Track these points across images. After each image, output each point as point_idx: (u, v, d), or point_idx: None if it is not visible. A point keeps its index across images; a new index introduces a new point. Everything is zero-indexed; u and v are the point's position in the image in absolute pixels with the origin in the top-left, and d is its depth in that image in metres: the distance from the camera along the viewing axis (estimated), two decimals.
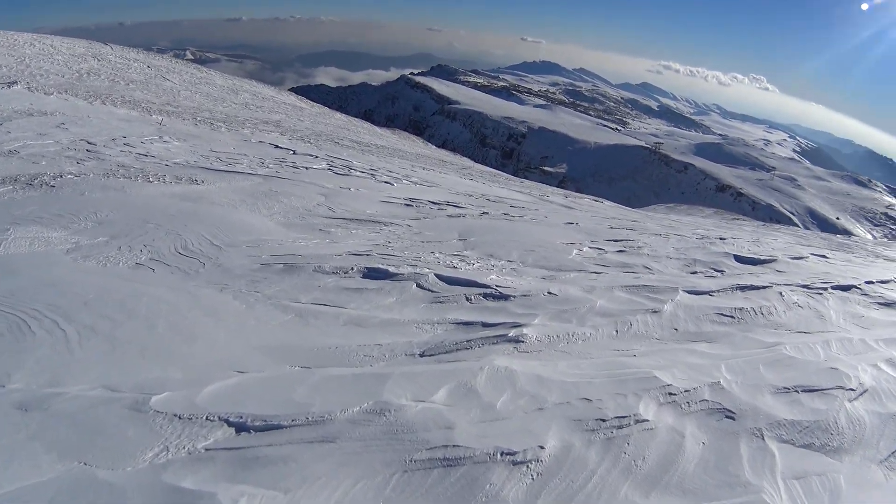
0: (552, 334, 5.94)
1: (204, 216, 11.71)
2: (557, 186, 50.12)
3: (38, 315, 6.45)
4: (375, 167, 20.94)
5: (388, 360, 5.47)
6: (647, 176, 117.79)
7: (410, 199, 14.77)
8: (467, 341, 5.66)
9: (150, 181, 14.81)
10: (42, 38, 54.55)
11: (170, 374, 5.45)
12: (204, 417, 4.47)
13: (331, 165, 19.31)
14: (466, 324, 6.20)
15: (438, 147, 74.86)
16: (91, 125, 23.37)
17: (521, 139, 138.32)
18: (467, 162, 48.64)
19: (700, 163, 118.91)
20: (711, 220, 32.84)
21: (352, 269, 8.18)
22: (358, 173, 18.42)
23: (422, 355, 5.50)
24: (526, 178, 63.12)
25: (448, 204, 14.63)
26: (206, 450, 4.23)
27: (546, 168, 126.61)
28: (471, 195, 17.80)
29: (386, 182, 17.58)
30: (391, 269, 8.02)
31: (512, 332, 5.81)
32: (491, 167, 52.91)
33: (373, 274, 7.99)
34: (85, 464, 4.43)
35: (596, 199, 26.85)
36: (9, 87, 30.13)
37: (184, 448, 4.25)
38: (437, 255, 9.19)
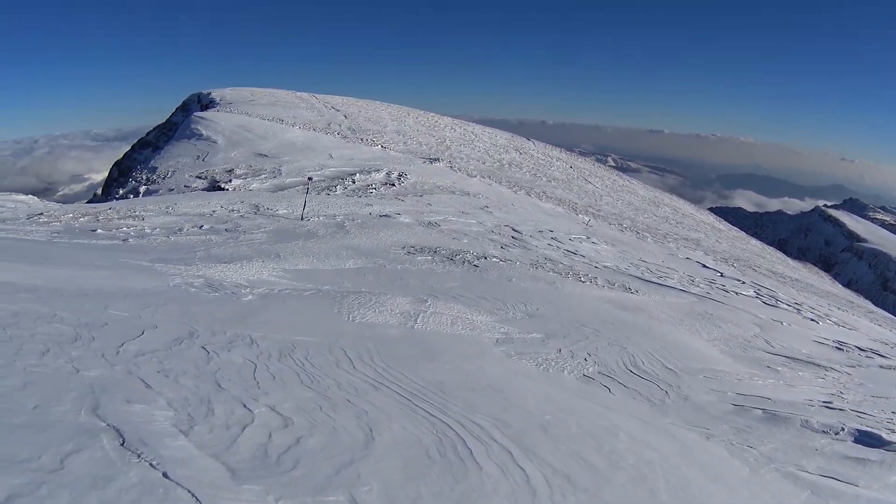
0: None
1: (645, 330, 12.26)
2: None
3: (481, 435, 5.45)
4: (798, 301, 21.99)
5: None
6: None
7: (839, 343, 15.19)
8: None
9: (581, 281, 15.77)
10: (463, 123, 64.53)
11: None
12: None
13: (758, 294, 20.37)
14: None
15: (844, 286, 71.26)
16: (516, 213, 26.48)
17: None
18: (870, 305, 49.08)
19: None
20: None
21: (841, 429, 8.20)
22: (784, 306, 19.26)
23: None
24: None
25: (872, 352, 15.17)
26: None
27: None
28: (885, 343, 18.47)
29: (811, 319, 18.14)
30: (883, 436, 8.02)
31: None
32: (890, 313, 47.45)
33: (865, 439, 7.97)
34: None
35: None
36: (430, 162, 36.05)
37: None
38: None
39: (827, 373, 11.80)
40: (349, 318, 8.78)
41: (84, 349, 5.36)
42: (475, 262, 14.96)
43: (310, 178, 24.36)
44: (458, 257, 15.26)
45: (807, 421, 8.26)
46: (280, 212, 18.70)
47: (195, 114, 42.53)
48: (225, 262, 11.41)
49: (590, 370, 9.13)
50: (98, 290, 7.73)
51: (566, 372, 8.86)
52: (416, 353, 7.61)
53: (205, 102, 50.36)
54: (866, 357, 14.10)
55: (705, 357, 11.24)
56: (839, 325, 18.54)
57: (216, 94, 51.57)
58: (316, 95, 57.73)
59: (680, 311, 14.69)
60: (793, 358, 12.43)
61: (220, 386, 5.10)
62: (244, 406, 4.76)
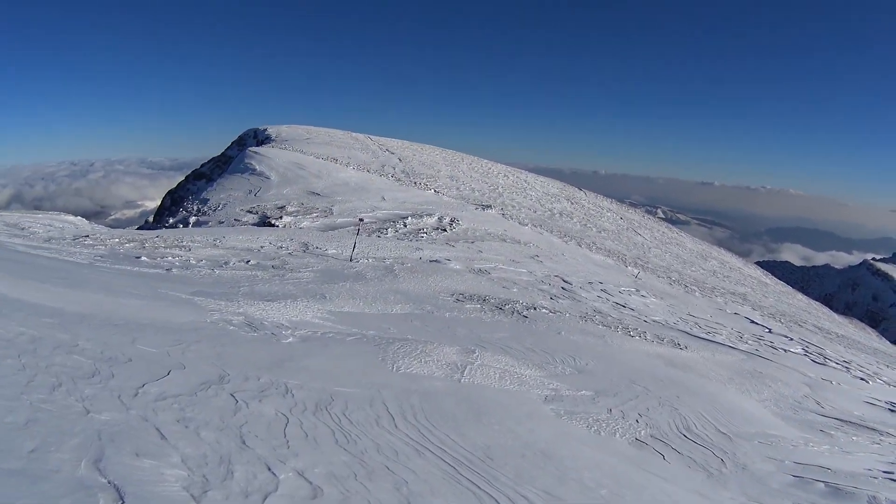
0: None
1: (696, 390, 11.98)
2: None
3: None
4: (847, 359, 21.40)
5: None
6: None
7: (891, 404, 14.77)
8: None
9: (630, 335, 15.35)
10: (516, 171, 64.38)
11: None
12: None
13: (806, 351, 20.06)
14: None
15: (891, 342, 66.95)
16: (566, 263, 25.93)
17: None
18: None
19: None
20: None
21: None
22: (833, 364, 18.95)
23: None
24: None
25: None
26: None
27: None
28: None
29: (861, 378, 17.78)
30: None
31: None
32: None
33: None
34: None
35: None
36: (483, 209, 35.63)
37: None
38: None
39: (882, 438, 11.56)
40: (393, 367, 8.30)
41: (100, 387, 4.87)
42: (524, 313, 14.52)
43: (361, 220, 24.12)
44: (507, 307, 14.81)
45: (874, 497, 7.99)
46: (329, 251, 18.46)
47: (250, 149, 43.01)
48: (268, 300, 11.03)
49: (642, 433, 8.87)
50: (129, 321, 7.33)
51: (618, 435, 8.56)
52: (462, 411, 7.07)
53: (261, 138, 51.17)
54: None
55: (757, 419, 11.10)
56: (890, 385, 18.23)
57: (272, 130, 52.49)
58: (371, 137, 58.27)
59: (729, 368, 14.55)
60: (845, 421, 12.27)
61: (244, 443, 4.56)
62: (269, 469, 4.20)
